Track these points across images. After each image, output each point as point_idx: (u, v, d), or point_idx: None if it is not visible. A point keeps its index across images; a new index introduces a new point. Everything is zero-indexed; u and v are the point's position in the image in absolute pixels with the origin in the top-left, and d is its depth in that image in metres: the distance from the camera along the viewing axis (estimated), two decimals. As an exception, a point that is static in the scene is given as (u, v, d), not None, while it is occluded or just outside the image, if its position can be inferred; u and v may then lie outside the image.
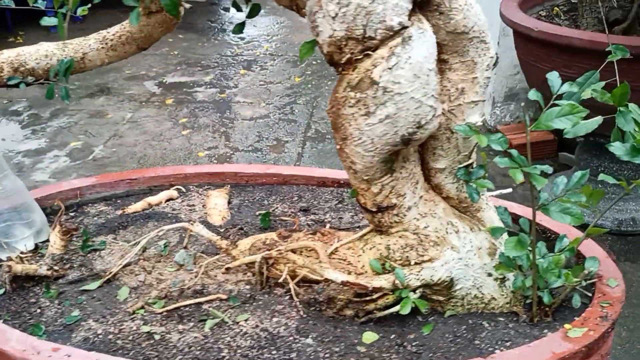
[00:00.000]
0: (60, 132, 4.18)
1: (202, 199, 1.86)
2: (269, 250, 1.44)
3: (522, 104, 1.20)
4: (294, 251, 1.42)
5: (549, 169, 1.23)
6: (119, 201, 1.87)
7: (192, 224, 1.47)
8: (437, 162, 1.36)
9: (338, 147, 1.28)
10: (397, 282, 1.33)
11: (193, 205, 1.83)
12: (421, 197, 1.36)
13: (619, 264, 2.52)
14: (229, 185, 1.90)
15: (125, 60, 5.85)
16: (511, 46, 2.97)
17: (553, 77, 1.29)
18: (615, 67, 1.35)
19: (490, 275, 1.39)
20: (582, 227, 1.42)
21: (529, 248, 1.28)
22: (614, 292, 1.38)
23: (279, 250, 1.40)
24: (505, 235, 1.38)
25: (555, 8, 2.93)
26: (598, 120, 1.20)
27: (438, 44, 1.26)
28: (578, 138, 2.89)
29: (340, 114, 1.21)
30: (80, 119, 4.37)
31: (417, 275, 1.34)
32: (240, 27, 1.45)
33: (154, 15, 1.50)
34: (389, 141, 1.21)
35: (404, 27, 1.16)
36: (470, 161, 1.37)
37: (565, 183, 1.27)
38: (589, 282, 1.39)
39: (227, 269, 1.45)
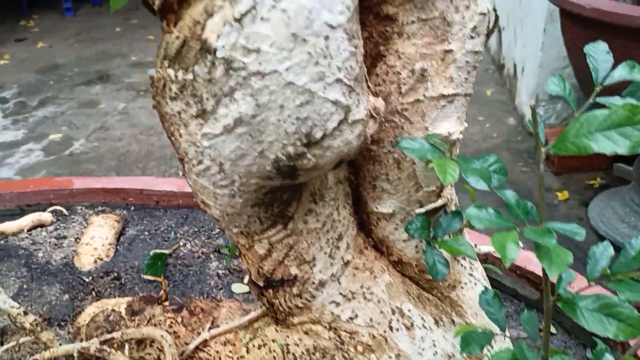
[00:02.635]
0: (43, 122, 3.73)
1: (85, 227, 1.30)
2: (110, 332, 0.88)
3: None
4: (140, 342, 0.85)
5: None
6: (-28, 225, 1.34)
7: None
8: (380, 202, 0.76)
9: (181, 173, 0.69)
10: (293, 417, 0.74)
11: (65, 237, 1.27)
12: (347, 263, 0.76)
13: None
14: (122, 211, 1.34)
15: (134, 46, 5.24)
16: (560, 34, 2.30)
17: (597, 52, 0.67)
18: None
19: (469, 406, 0.78)
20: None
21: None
22: None
23: (101, 343, 0.82)
24: (504, 343, 0.77)
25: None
26: None
27: (370, -17, 0.66)
28: None
29: (162, 112, 0.62)
30: (68, 108, 3.91)
31: (333, 404, 0.75)
32: None
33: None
34: (253, 170, 0.61)
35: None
36: (439, 203, 0.76)
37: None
38: None
39: (37, 361, 0.89)
